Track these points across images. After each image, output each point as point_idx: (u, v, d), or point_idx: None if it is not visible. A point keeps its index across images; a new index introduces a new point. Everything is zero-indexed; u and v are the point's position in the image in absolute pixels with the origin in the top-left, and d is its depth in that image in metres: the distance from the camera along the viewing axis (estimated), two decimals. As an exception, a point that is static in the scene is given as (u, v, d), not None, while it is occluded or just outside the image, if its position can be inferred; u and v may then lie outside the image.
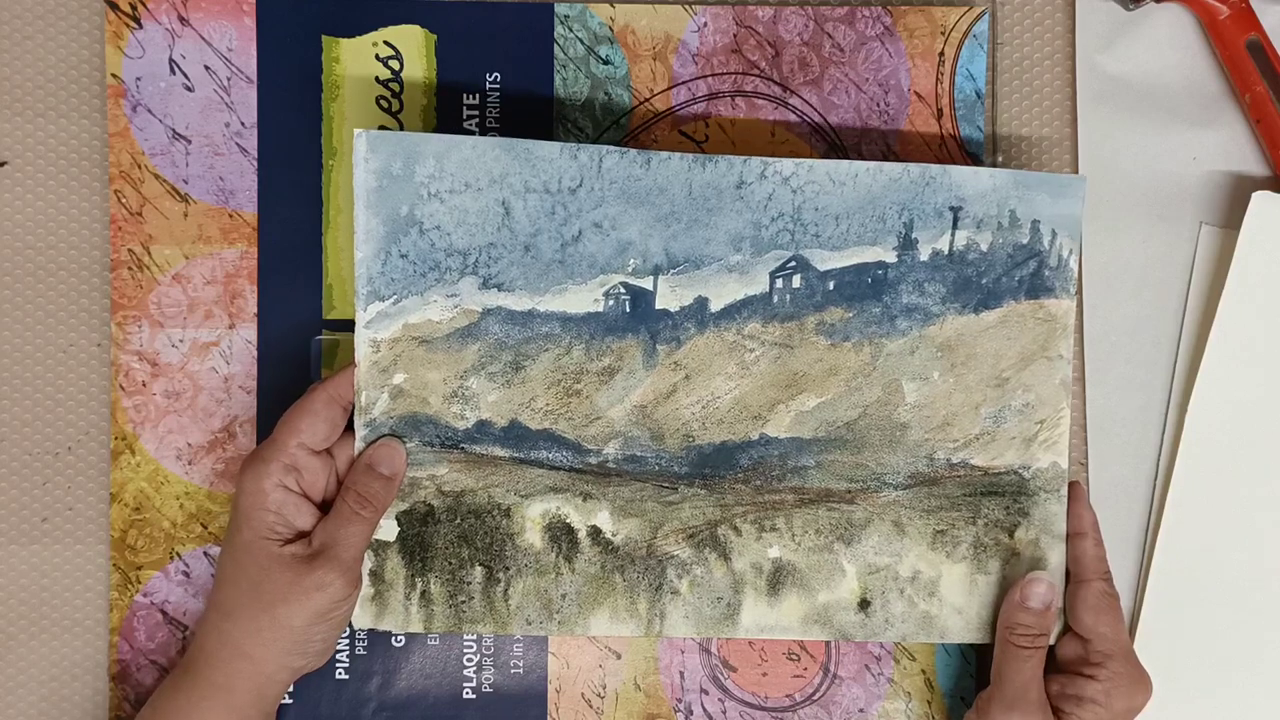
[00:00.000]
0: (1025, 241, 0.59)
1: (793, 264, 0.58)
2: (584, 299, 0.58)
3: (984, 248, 0.59)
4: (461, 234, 0.57)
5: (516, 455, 0.58)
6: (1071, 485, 0.60)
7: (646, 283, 0.58)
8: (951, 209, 0.58)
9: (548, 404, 0.58)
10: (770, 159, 0.58)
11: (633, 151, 0.57)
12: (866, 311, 0.59)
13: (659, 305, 0.58)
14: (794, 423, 0.59)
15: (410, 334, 0.57)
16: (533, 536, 0.58)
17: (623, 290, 0.58)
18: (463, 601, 0.58)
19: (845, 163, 0.58)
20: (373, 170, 0.56)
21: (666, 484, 0.59)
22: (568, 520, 0.58)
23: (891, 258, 0.58)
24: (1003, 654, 0.57)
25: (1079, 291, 0.64)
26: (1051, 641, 0.58)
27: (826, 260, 0.58)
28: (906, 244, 0.58)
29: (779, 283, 0.58)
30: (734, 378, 0.58)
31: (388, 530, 0.58)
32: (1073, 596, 0.58)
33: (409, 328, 0.57)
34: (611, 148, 0.57)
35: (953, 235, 0.59)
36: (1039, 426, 0.59)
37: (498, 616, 0.59)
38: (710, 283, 0.58)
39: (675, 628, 0.59)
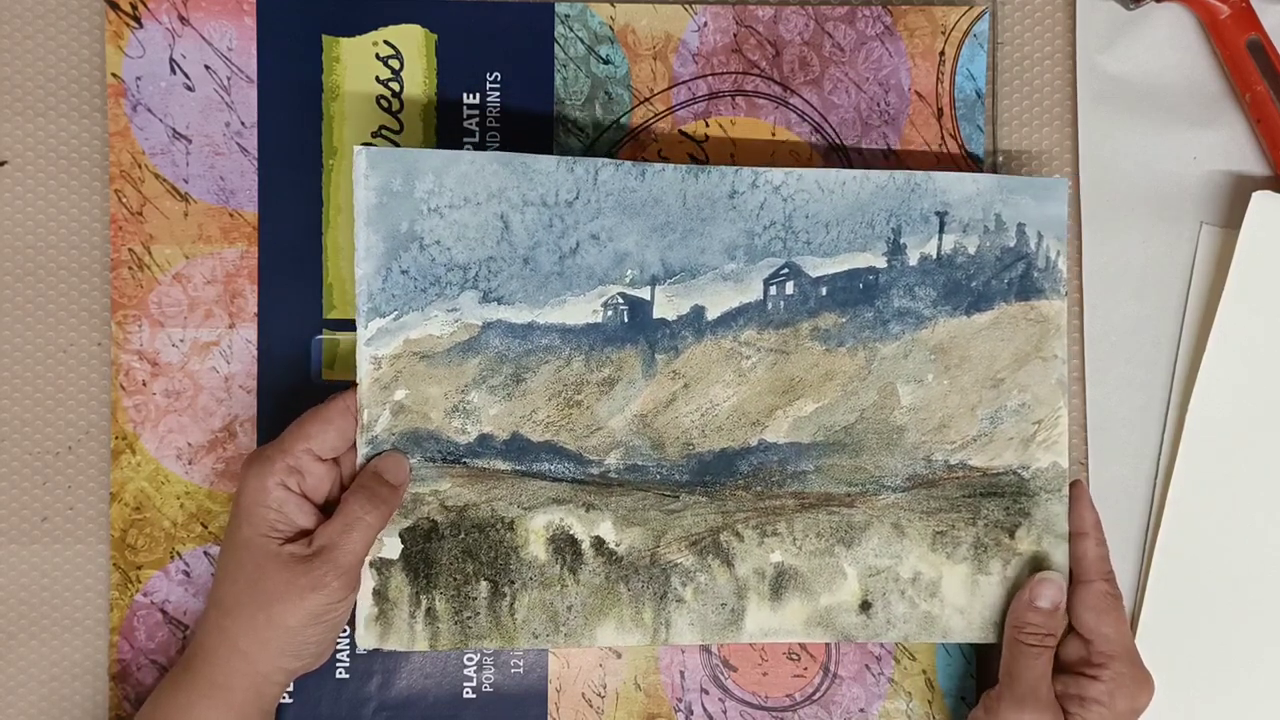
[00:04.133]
0: (1012, 244, 0.59)
1: (785, 271, 0.59)
2: (583, 310, 0.58)
3: (971, 251, 0.59)
4: (461, 248, 0.57)
5: (518, 468, 0.58)
6: (1073, 485, 0.60)
7: (644, 293, 0.58)
8: (938, 214, 0.59)
9: (549, 416, 0.58)
10: (760, 169, 0.58)
11: (628, 164, 0.57)
12: (859, 316, 0.59)
13: (657, 315, 0.58)
14: (792, 428, 0.59)
15: (411, 349, 0.57)
16: (537, 549, 0.58)
17: (621, 301, 0.58)
18: (468, 617, 0.58)
19: (833, 171, 0.59)
20: (373, 187, 0.56)
21: (668, 492, 0.59)
22: (571, 531, 0.58)
23: (882, 263, 0.59)
24: (1012, 652, 0.58)
25: (1079, 291, 0.64)
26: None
27: (819, 267, 0.59)
28: (895, 249, 0.59)
29: (773, 290, 0.59)
30: (732, 385, 0.59)
31: (391, 548, 0.58)
32: (1074, 597, 0.58)
33: (410, 343, 0.57)
34: (607, 160, 0.57)
35: (940, 240, 0.59)
36: (1036, 427, 0.60)
37: (504, 631, 0.59)
38: (706, 291, 0.58)
39: (681, 635, 0.59)
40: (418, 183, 0.57)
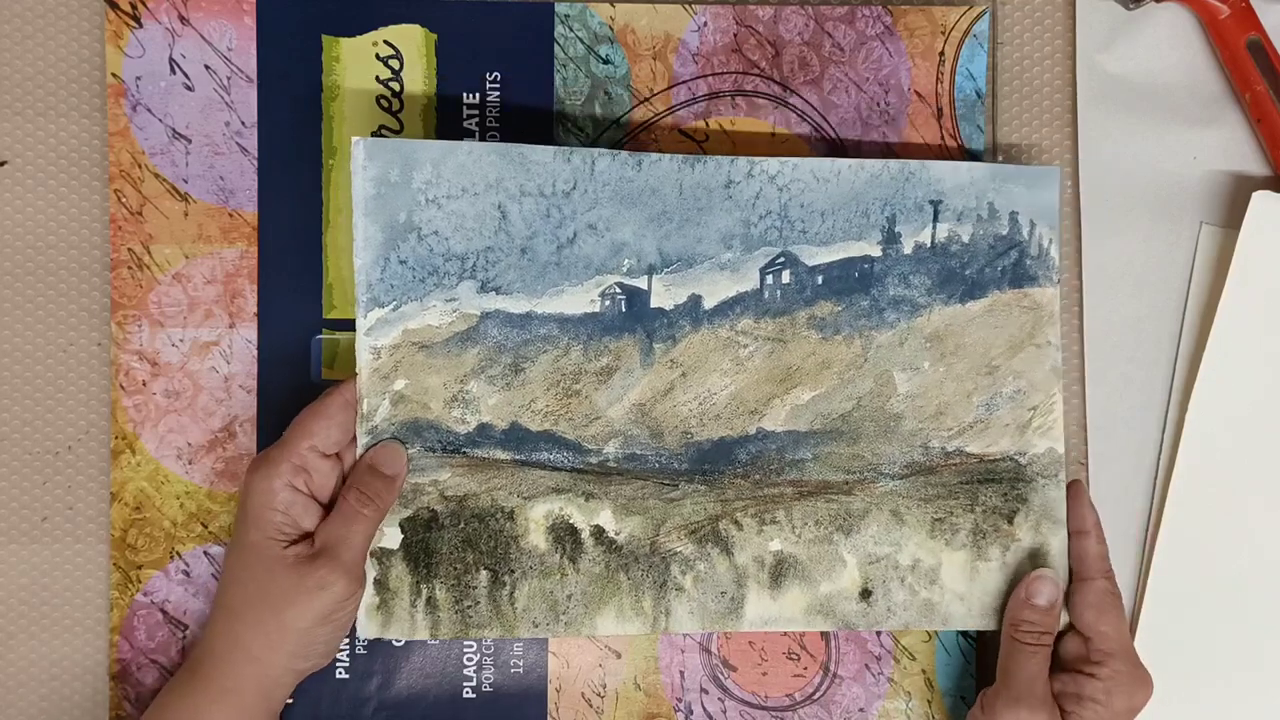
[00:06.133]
0: (1005, 232, 0.60)
1: (782, 260, 0.59)
2: (581, 300, 0.58)
3: (965, 239, 0.60)
4: (459, 239, 0.57)
5: (518, 457, 0.58)
6: (1072, 484, 0.60)
7: (641, 282, 0.58)
8: (931, 203, 0.59)
9: (547, 405, 0.58)
10: (756, 159, 0.58)
11: (624, 153, 0.58)
12: (855, 305, 0.59)
13: (654, 304, 0.58)
14: (789, 416, 0.59)
15: (410, 340, 0.57)
16: (536, 538, 0.59)
17: (618, 290, 0.58)
18: (469, 606, 0.58)
19: (828, 160, 0.59)
20: (371, 178, 0.57)
21: (667, 481, 0.59)
22: (571, 521, 0.59)
23: (876, 252, 0.59)
24: (1008, 650, 0.58)
25: (1079, 290, 0.64)
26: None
27: (814, 255, 0.59)
28: (890, 238, 0.59)
29: (769, 279, 0.59)
30: (729, 374, 0.59)
31: (391, 538, 0.58)
32: (1075, 594, 0.58)
33: (409, 333, 0.57)
34: (604, 150, 0.58)
35: (934, 228, 0.60)
36: (1032, 413, 0.60)
37: (504, 620, 0.59)
38: (703, 280, 0.59)
39: (681, 623, 0.59)
40: (415, 173, 0.57)
